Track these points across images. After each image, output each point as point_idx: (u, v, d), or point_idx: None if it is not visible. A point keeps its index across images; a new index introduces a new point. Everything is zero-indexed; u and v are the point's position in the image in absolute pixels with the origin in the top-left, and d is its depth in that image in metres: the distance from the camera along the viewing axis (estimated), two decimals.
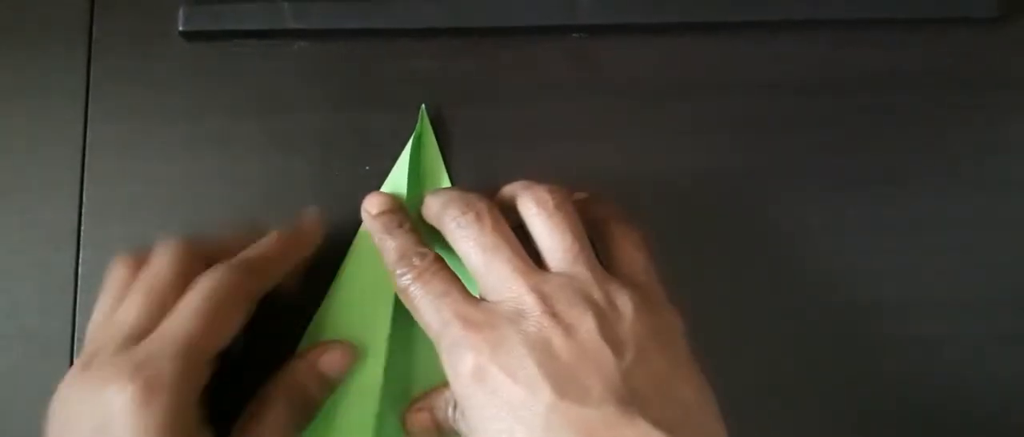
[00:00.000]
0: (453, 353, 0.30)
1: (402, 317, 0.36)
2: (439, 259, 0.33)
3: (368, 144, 0.38)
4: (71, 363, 0.37)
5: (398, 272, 0.33)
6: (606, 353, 0.29)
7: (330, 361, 0.34)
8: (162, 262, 0.33)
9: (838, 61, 0.40)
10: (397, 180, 0.37)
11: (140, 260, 0.34)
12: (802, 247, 0.39)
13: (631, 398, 0.28)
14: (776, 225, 0.39)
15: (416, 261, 0.33)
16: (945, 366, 0.38)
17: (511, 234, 0.32)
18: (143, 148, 0.39)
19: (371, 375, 0.36)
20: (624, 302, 0.30)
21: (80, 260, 0.38)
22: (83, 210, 0.39)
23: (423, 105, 0.38)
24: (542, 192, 0.33)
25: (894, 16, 0.39)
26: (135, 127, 0.39)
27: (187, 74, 0.39)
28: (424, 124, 0.38)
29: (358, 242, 0.37)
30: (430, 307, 0.32)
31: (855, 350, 0.38)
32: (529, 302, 0.30)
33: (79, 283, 0.38)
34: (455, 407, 0.33)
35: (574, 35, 0.39)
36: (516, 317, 0.30)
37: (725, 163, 0.39)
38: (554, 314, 0.29)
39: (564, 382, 0.28)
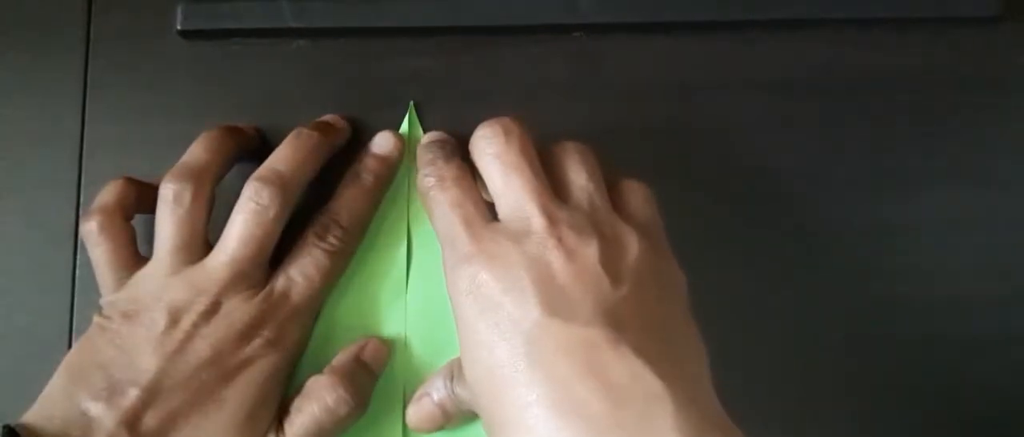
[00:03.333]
0: (455, 267, 0.31)
1: (419, 316, 0.36)
2: (463, 168, 0.34)
3: (368, 144, 0.38)
4: None
5: (423, 172, 0.34)
6: (603, 280, 0.29)
7: (371, 352, 0.35)
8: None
9: (838, 61, 0.39)
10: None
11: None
12: (802, 246, 0.39)
13: (619, 325, 0.28)
14: (776, 224, 0.39)
15: (440, 164, 0.34)
16: (944, 365, 0.38)
17: (536, 160, 0.32)
18: (141, 148, 0.39)
19: (391, 376, 0.36)
20: (631, 241, 0.31)
21: (77, 260, 0.38)
22: (80, 210, 0.38)
23: (412, 101, 0.38)
24: (566, 140, 0.34)
25: (894, 16, 0.39)
26: (133, 126, 0.39)
27: (185, 73, 0.39)
28: (412, 119, 0.38)
29: (369, 242, 0.37)
30: (443, 214, 0.32)
31: (854, 350, 0.38)
32: (537, 224, 0.30)
33: (76, 284, 0.38)
34: (453, 377, 0.34)
35: (574, 34, 0.39)
36: (521, 236, 0.30)
37: (724, 163, 0.39)
38: (559, 238, 0.30)
39: (554, 300, 0.29)
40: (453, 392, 0.34)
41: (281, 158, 0.35)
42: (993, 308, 0.38)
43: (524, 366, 0.28)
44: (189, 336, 0.33)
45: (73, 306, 0.38)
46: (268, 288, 0.34)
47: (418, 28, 0.39)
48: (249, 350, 0.33)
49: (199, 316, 0.33)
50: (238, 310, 0.33)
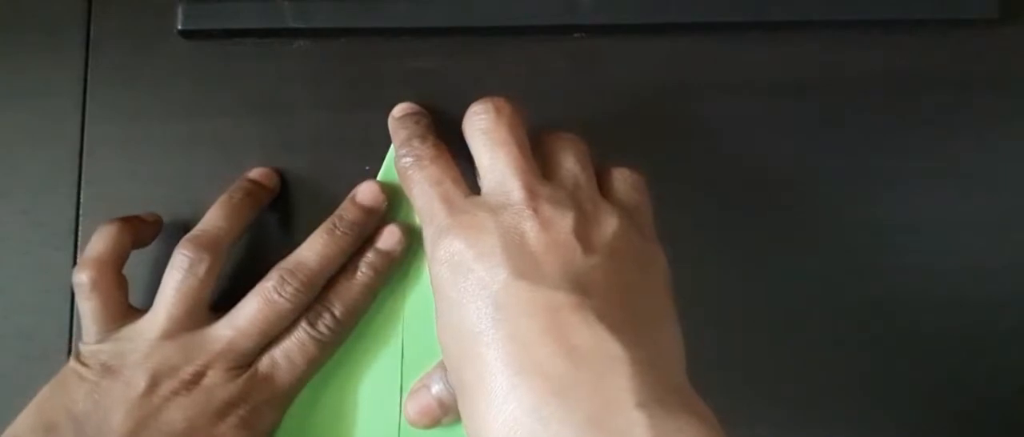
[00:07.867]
0: (433, 239, 0.31)
1: (416, 317, 0.36)
2: (439, 146, 0.34)
3: (368, 144, 0.38)
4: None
5: (400, 153, 0.34)
6: (575, 248, 0.29)
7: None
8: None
9: (838, 61, 0.39)
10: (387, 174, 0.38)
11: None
12: (803, 246, 0.39)
13: (585, 291, 0.28)
14: (776, 224, 0.39)
15: (416, 144, 0.34)
16: (942, 365, 0.38)
17: (525, 139, 0.32)
18: (141, 148, 0.39)
19: (389, 375, 0.36)
20: (610, 219, 0.31)
21: (77, 260, 0.38)
22: (80, 210, 0.38)
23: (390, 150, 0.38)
24: (559, 130, 0.34)
25: (894, 16, 0.39)
26: (133, 127, 0.39)
27: (185, 73, 0.39)
28: (389, 167, 0.38)
29: None
30: (423, 192, 0.33)
31: (853, 349, 0.38)
32: (517, 196, 0.30)
33: None
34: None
35: (574, 35, 0.39)
36: (500, 207, 0.30)
37: (724, 163, 0.39)
38: (536, 209, 0.30)
39: (523, 264, 0.29)
40: (449, 382, 0.33)
41: (317, 255, 0.35)
42: (992, 308, 0.38)
43: (488, 326, 0.28)
44: (166, 402, 0.32)
45: (73, 307, 0.38)
46: (253, 368, 0.34)
47: (418, 28, 0.39)
48: (223, 428, 0.33)
49: (181, 384, 0.33)
50: (220, 387, 0.33)
